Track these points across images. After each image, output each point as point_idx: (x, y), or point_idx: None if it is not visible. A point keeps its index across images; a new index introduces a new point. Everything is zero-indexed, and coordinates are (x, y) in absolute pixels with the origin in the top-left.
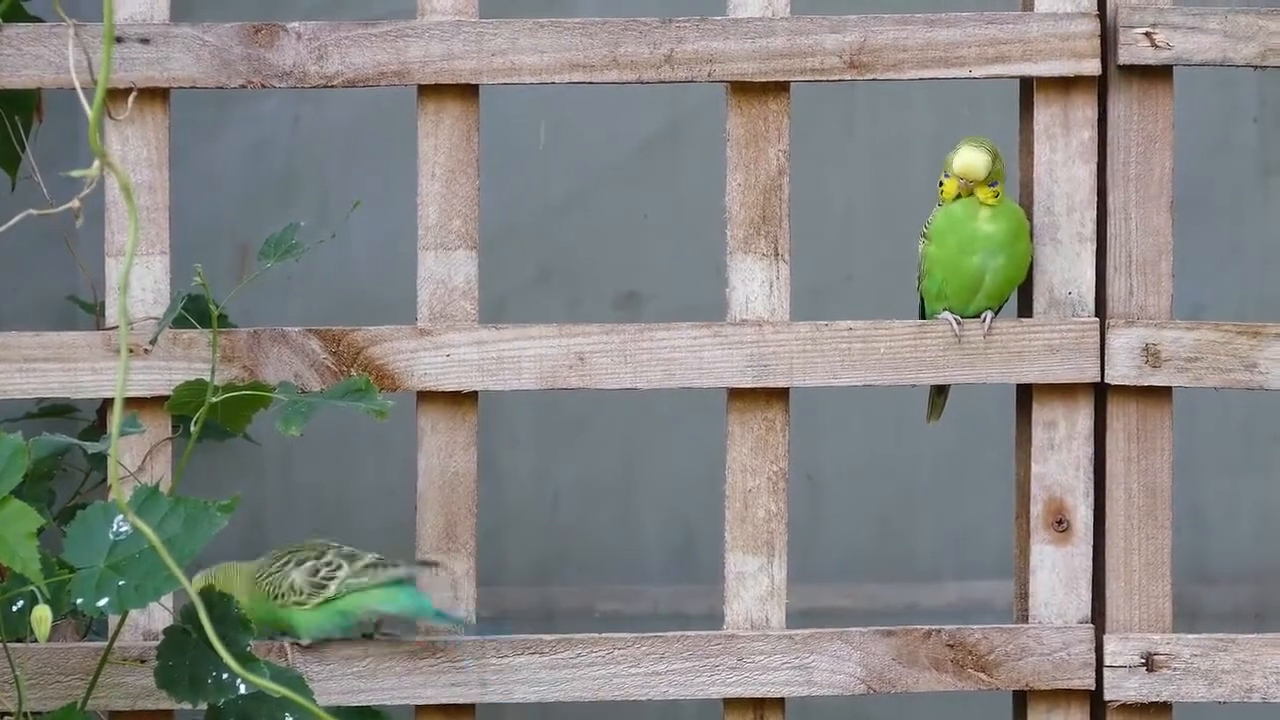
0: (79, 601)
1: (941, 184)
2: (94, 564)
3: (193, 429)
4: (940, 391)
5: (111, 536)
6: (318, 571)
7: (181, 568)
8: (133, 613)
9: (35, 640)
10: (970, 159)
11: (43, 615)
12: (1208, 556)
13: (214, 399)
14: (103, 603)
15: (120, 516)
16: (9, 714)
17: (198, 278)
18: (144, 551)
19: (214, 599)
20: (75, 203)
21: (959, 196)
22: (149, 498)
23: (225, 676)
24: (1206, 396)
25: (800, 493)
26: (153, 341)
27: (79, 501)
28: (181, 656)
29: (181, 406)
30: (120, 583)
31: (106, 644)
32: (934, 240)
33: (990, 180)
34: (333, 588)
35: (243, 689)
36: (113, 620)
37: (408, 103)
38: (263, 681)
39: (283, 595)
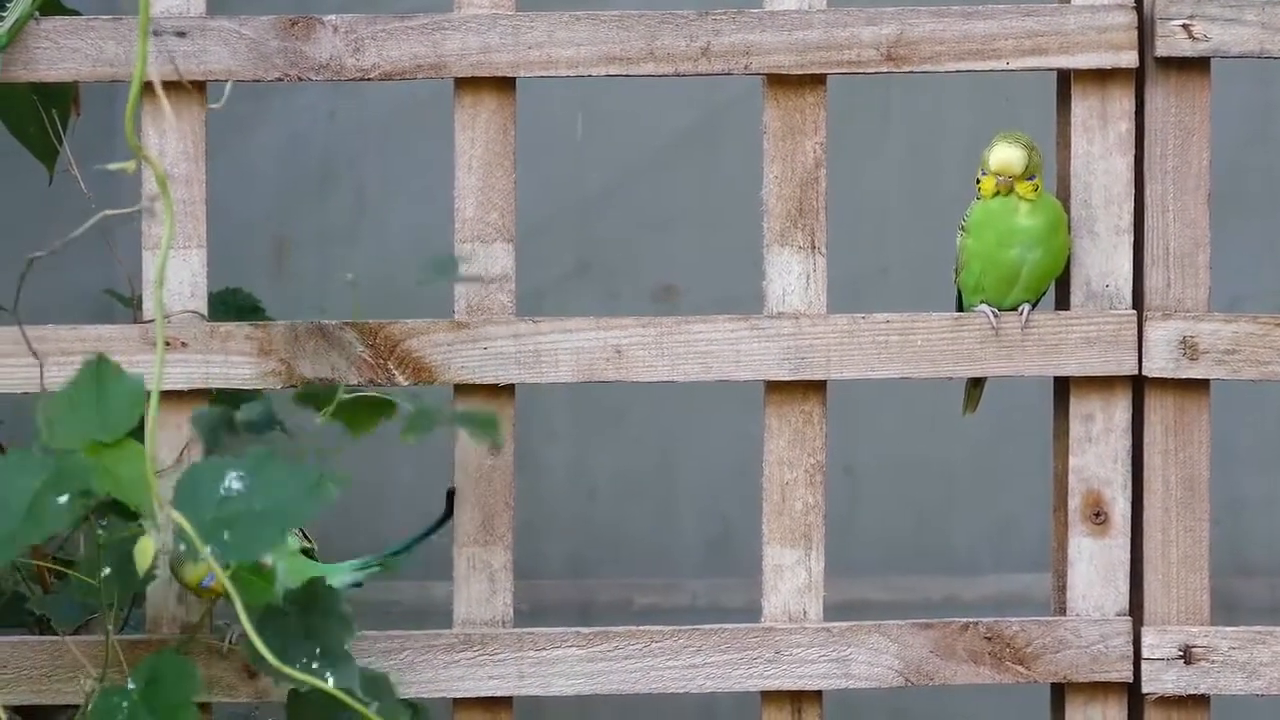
0: (183, 548)
1: (979, 181)
2: (201, 516)
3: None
4: (976, 384)
5: (221, 493)
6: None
7: (284, 534)
8: (172, 607)
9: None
10: (1006, 155)
11: (146, 546)
12: (1246, 549)
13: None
14: (208, 551)
15: (232, 473)
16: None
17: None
18: (254, 511)
19: (320, 589)
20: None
21: (997, 194)
22: (264, 459)
23: (316, 666)
24: (1244, 388)
25: (838, 485)
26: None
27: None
28: (277, 637)
29: (309, 399)
30: (227, 534)
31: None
32: (972, 233)
33: (1028, 174)
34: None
35: (331, 683)
36: (156, 610)
37: (444, 96)
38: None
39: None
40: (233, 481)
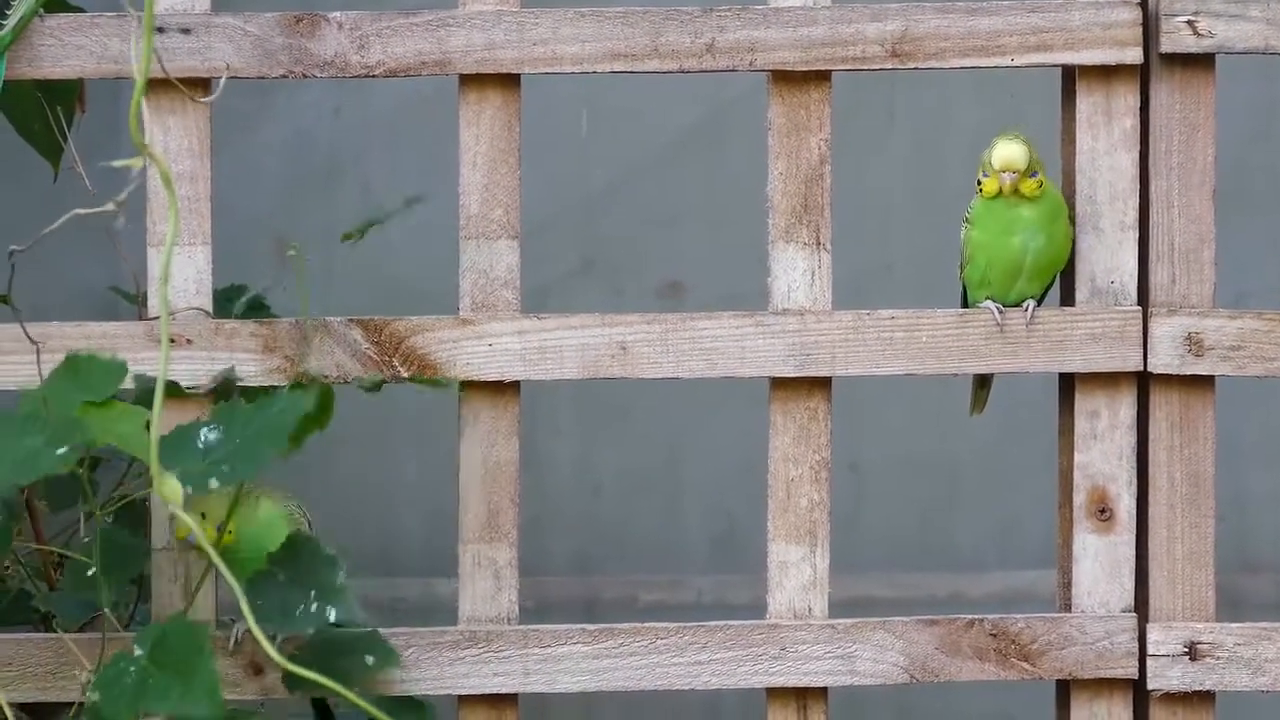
0: (189, 489)
1: (980, 183)
2: (192, 463)
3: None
4: (983, 383)
5: (201, 445)
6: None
7: (282, 444)
8: (178, 603)
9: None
10: (1010, 152)
11: (175, 484)
12: (1251, 545)
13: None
14: (214, 484)
15: (206, 426)
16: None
17: (293, 251)
18: (237, 445)
19: (300, 540)
20: (110, 205)
21: (1000, 193)
22: (229, 408)
23: (315, 608)
24: (1250, 384)
25: (843, 482)
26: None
27: (122, 493)
28: (270, 597)
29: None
30: (224, 467)
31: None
32: (976, 224)
33: (1030, 171)
34: None
35: (333, 616)
36: (162, 606)
37: (449, 92)
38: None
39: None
40: (208, 434)
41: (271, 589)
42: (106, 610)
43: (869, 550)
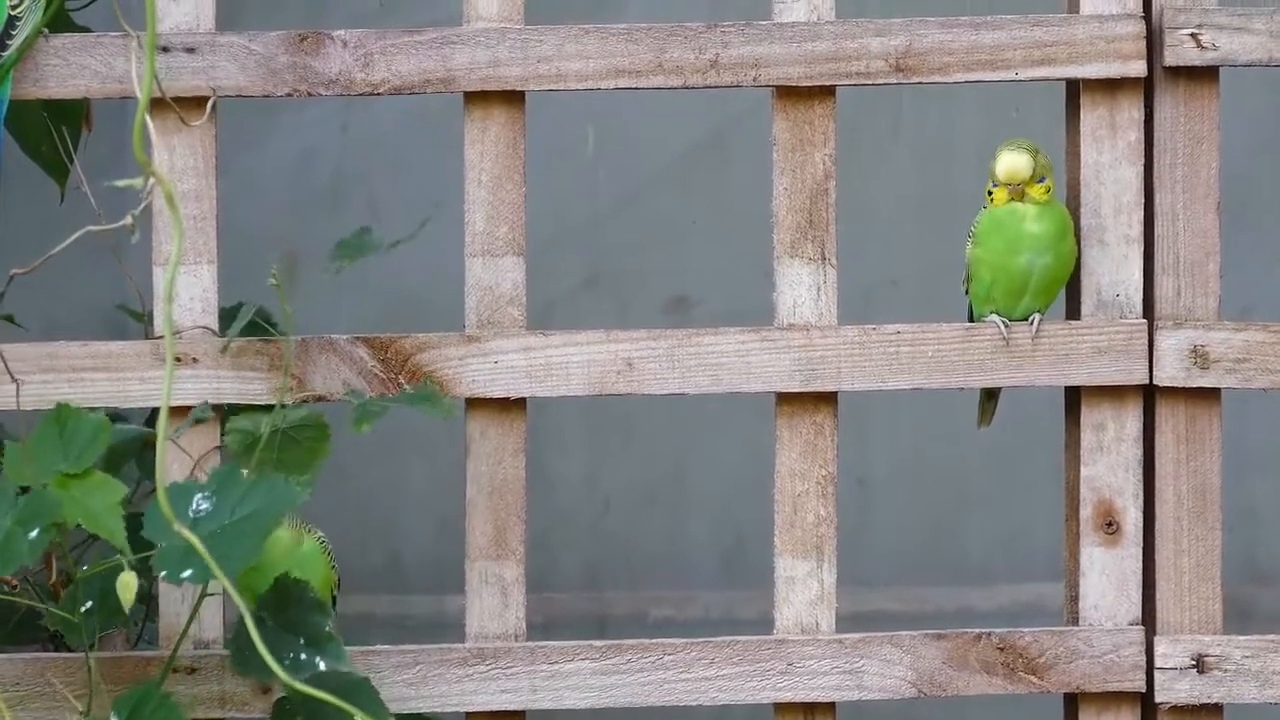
0: (163, 574)
1: (990, 194)
2: (175, 540)
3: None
4: (990, 396)
5: (191, 514)
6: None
7: (262, 542)
8: (184, 622)
9: (110, 629)
10: (1013, 162)
11: (129, 581)
12: (1262, 557)
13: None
14: (186, 574)
15: (199, 494)
16: None
17: (273, 279)
18: (224, 527)
19: (289, 584)
20: (127, 220)
21: (1011, 200)
22: (227, 476)
23: (303, 657)
24: (1259, 395)
25: (851, 496)
26: (226, 348)
27: (131, 510)
28: (263, 642)
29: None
30: (206, 554)
31: (172, 650)
32: (980, 242)
33: (1037, 177)
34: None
35: (322, 665)
36: (170, 625)
37: (455, 109)
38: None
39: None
40: (200, 502)
41: (259, 634)
42: (90, 655)
43: (877, 564)
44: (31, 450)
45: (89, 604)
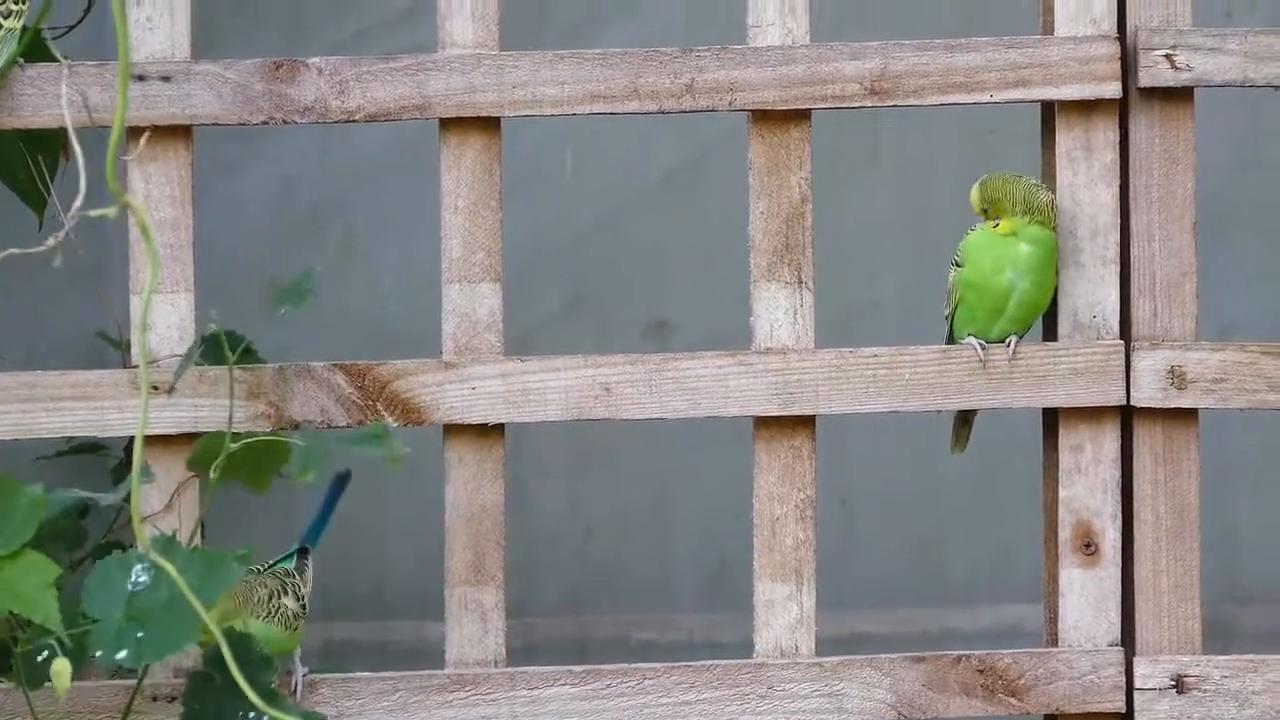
0: (98, 655)
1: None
2: (112, 615)
3: (211, 478)
4: (965, 422)
5: (130, 587)
6: (298, 598)
7: (198, 624)
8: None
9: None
10: (970, 195)
11: (61, 669)
12: (1242, 576)
13: (232, 446)
14: (121, 655)
15: (139, 566)
16: None
17: (214, 325)
18: (162, 603)
19: (235, 640)
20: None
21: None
22: (166, 546)
23: (253, 715)
24: (1238, 415)
25: (833, 518)
26: (171, 389)
27: (111, 539)
28: (206, 700)
29: (202, 463)
30: (139, 634)
31: (136, 683)
32: (966, 263)
33: (991, 216)
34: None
35: None
36: None
37: (433, 135)
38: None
39: (287, 622)
40: (139, 574)
41: (209, 692)
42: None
43: (860, 586)
44: None
45: (44, 654)
